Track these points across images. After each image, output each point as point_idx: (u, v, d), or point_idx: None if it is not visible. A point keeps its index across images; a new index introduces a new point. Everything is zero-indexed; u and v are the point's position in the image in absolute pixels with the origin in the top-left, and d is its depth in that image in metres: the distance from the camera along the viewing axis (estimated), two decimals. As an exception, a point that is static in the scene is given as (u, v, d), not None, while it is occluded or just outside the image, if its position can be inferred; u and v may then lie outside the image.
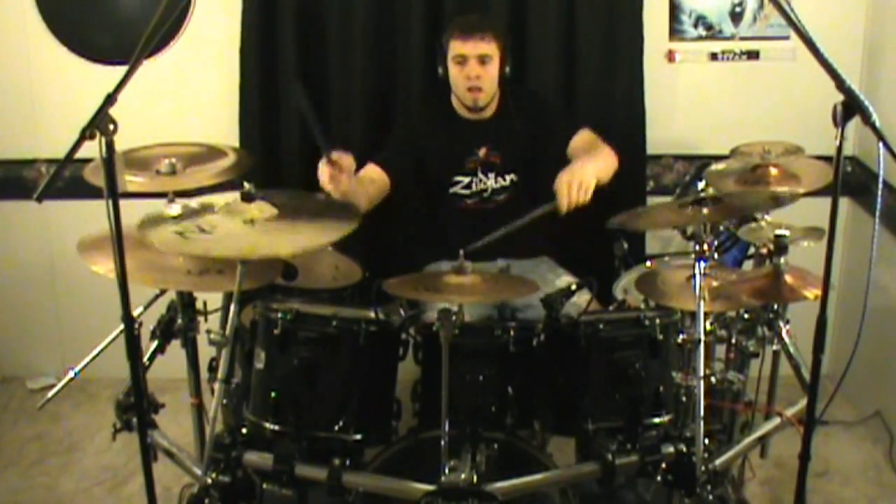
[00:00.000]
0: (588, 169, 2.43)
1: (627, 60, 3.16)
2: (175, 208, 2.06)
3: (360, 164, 2.81)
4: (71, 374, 2.29)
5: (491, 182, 2.79)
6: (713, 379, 2.27)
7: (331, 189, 2.32)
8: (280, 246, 1.99)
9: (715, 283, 2.18)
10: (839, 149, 1.60)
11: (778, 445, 2.63)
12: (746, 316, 2.46)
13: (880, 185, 1.70)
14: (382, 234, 3.17)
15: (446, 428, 1.95)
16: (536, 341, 2.23)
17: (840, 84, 1.59)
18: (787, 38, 3.20)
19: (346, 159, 2.34)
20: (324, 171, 2.32)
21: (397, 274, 2.19)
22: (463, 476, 1.91)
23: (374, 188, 2.67)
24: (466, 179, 2.78)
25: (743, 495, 2.64)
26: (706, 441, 1.99)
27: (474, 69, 2.66)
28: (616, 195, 3.19)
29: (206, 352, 2.32)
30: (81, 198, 2.82)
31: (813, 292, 2.01)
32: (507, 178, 2.80)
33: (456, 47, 2.67)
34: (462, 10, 3.10)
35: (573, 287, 2.27)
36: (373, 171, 2.72)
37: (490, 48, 2.66)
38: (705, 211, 2.20)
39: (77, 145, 1.60)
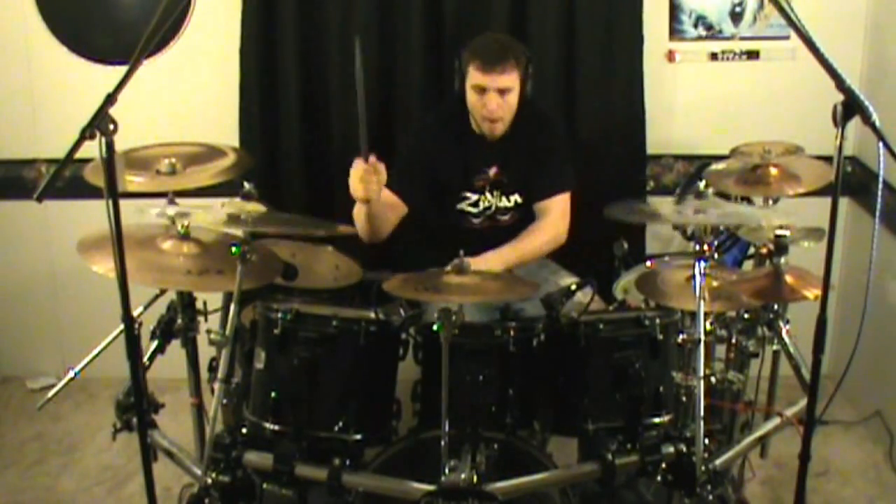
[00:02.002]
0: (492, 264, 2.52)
1: (627, 60, 3.16)
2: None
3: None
4: (71, 374, 2.29)
5: (495, 200, 2.75)
6: (713, 379, 2.27)
7: (359, 191, 2.26)
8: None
9: (715, 283, 2.18)
10: (839, 149, 1.60)
11: (778, 445, 2.63)
12: (746, 316, 2.46)
13: (880, 185, 1.70)
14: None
15: (446, 428, 1.95)
16: (536, 341, 2.24)
17: (840, 84, 1.59)
18: (787, 38, 3.20)
19: (381, 167, 2.26)
20: (357, 170, 2.24)
21: (397, 274, 2.19)
22: (463, 476, 1.90)
23: (393, 214, 2.62)
24: (475, 197, 2.73)
25: (743, 495, 2.64)
26: (706, 441, 1.99)
27: (493, 100, 2.57)
28: (616, 195, 3.21)
29: (206, 352, 2.33)
30: (81, 198, 2.82)
31: (813, 292, 2.01)
32: (512, 198, 2.76)
33: (475, 77, 2.56)
34: (462, 12, 3.10)
35: (573, 287, 2.28)
36: (388, 197, 2.58)
37: (511, 79, 2.56)
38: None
39: (77, 145, 1.60)
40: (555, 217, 2.70)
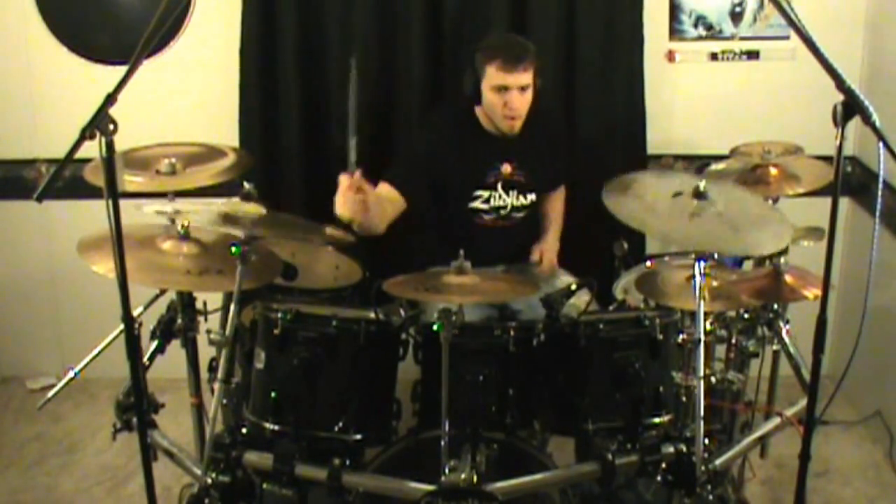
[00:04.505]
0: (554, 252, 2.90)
1: (627, 60, 3.16)
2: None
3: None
4: (71, 374, 2.29)
5: (511, 199, 2.75)
6: (713, 379, 2.27)
7: (341, 208, 2.24)
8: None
9: (715, 283, 2.18)
10: (839, 149, 1.59)
11: (778, 445, 2.63)
12: (746, 316, 2.46)
13: (880, 185, 1.70)
14: (383, 234, 3.16)
15: (446, 428, 1.95)
16: (536, 341, 2.23)
17: (840, 84, 1.59)
18: (787, 38, 3.20)
19: (367, 186, 2.25)
20: (342, 185, 2.23)
21: (397, 274, 2.19)
22: (463, 476, 1.90)
23: (391, 208, 2.58)
24: (486, 194, 2.72)
25: (743, 495, 2.65)
26: (706, 441, 1.99)
27: (516, 98, 2.58)
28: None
29: (206, 352, 2.33)
30: (81, 198, 2.82)
31: (813, 292, 2.02)
32: (529, 197, 2.77)
33: (497, 77, 2.56)
34: (462, 12, 3.10)
35: (573, 287, 2.27)
36: (388, 191, 2.59)
37: (530, 76, 2.59)
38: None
39: (77, 145, 1.60)
40: (561, 205, 2.99)
